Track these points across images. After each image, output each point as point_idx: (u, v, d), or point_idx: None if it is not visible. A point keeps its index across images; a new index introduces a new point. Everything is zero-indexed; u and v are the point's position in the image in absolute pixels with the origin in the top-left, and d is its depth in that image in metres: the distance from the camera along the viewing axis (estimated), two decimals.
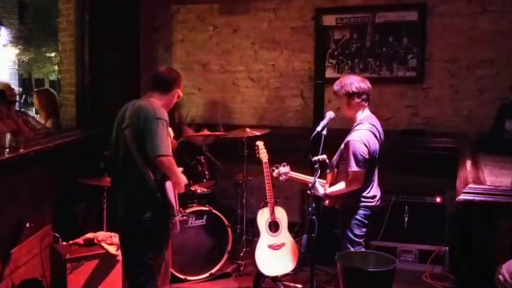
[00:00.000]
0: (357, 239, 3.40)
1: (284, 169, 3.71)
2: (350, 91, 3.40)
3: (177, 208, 3.15)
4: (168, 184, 3.05)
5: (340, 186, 3.40)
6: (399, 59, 5.18)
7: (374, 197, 3.45)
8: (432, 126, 5.12)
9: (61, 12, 5.17)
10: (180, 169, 3.24)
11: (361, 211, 3.40)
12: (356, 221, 3.39)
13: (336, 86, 3.47)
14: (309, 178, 3.55)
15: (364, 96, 3.42)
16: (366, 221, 3.41)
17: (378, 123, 3.48)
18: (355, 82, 3.41)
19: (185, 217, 4.27)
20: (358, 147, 3.28)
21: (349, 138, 3.37)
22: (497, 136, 4.34)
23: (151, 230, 3.04)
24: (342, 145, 3.45)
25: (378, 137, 3.41)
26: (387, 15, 5.19)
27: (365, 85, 3.42)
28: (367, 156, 3.29)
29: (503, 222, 2.83)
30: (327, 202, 3.53)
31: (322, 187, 3.47)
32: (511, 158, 3.66)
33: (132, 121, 3.03)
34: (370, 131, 3.36)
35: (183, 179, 3.17)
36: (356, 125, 3.42)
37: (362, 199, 3.40)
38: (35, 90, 5.67)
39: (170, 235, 3.16)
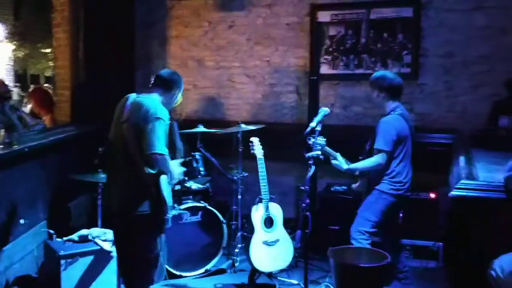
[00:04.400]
0: None
1: (320, 140, 3.71)
2: (375, 87, 3.75)
3: (171, 204, 3.15)
4: (164, 180, 3.05)
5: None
6: (394, 55, 5.18)
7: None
8: (427, 122, 5.11)
9: (55, 8, 5.15)
10: (180, 160, 3.24)
11: None
12: None
13: (371, 78, 3.82)
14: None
15: (383, 94, 3.71)
16: None
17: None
18: (381, 79, 3.73)
19: (179, 213, 4.28)
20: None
21: None
22: (490, 132, 4.37)
23: (145, 225, 3.04)
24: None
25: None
26: (382, 11, 5.18)
27: (386, 83, 3.70)
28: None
29: (496, 218, 2.84)
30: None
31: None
32: (504, 154, 3.67)
33: (131, 117, 3.02)
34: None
35: (177, 176, 3.16)
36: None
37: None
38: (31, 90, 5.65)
39: (165, 230, 3.16)
